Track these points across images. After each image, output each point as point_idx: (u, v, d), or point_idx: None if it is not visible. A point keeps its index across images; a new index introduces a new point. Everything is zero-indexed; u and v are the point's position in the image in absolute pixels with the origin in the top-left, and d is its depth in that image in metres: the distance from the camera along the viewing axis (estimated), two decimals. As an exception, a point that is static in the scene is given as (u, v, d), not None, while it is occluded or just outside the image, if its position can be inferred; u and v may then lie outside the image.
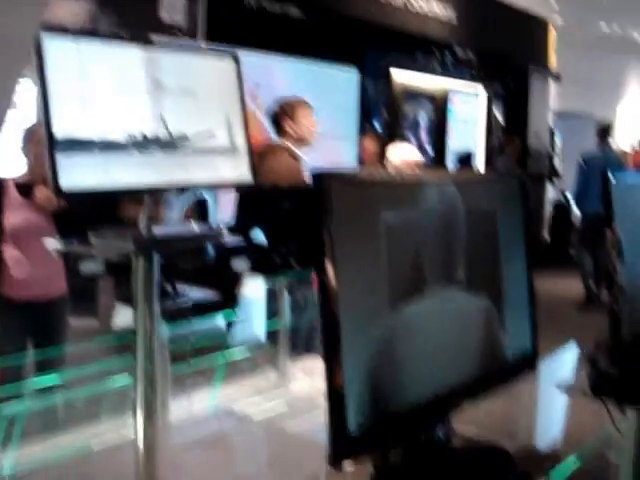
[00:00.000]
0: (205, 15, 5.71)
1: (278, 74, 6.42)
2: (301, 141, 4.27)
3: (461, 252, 1.57)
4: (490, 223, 1.71)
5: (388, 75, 8.44)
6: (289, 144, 4.26)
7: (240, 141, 2.34)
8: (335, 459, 1.27)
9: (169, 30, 5.44)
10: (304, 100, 4.46)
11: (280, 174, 4.02)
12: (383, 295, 1.35)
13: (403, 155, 5.22)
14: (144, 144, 2.08)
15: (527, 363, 1.85)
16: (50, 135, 1.88)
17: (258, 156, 4.33)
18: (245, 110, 2.37)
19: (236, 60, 2.40)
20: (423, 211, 1.48)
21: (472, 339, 1.60)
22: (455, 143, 9.69)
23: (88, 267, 2.14)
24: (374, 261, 1.34)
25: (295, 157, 4.24)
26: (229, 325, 4.07)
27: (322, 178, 1.29)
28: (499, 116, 10.86)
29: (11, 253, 3.76)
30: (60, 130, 1.90)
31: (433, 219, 1.50)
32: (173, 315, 2.91)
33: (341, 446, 1.27)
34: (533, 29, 10.78)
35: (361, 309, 1.31)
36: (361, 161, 6.76)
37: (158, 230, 2.23)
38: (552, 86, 11.62)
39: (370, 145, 6.65)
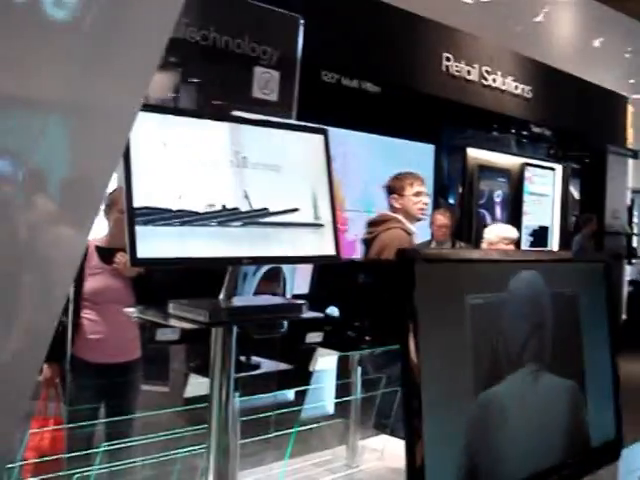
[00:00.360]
0: (298, 91, 5.82)
1: (355, 147, 6.50)
2: (409, 216, 4.31)
3: (545, 335, 1.53)
4: (573, 306, 1.68)
5: (464, 151, 8.47)
6: (401, 217, 4.31)
7: (326, 215, 2.34)
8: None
9: (262, 106, 5.56)
10: (413, 175, 4.53)
11: (391, 246, 4.07)
12: (467, 375, 1.32)
13: (500, 232, 5.28)
14: (224, 216, 2.11)
15: (611, 451, 1.78)
16: (130, 204, 1.93)
17: (370, 224, 4.54)
18: (332, 185, 2.38)
19: (325, 134, 2.42)
20: (508, 292, 1.46)
21: (556, 425, 1.55)
22: (530, 220, 9.59)
23: (164, 334, 2.17)
24: (458, 340, 1.32)
25: (406, 231, 4.27)
26: (299, 398, 4.04)
27: (407, 254, 1.29)
28: (575, 193, 10.74)
29: (89, 316, 3.84)
30: (140, 200, 1.95)
31: (518, 299, 1.48)
32: (246, 386, 2.90)
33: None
34: (610, 106, 10.72)
35: (444, 388, 1.28)
36: (432, 235, 6.74)
37: (237, 301, 2.25)
38: (630, 163, 11.47)
39: (441, 218, 6.63)
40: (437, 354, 1.28)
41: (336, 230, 2.37)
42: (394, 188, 4.41)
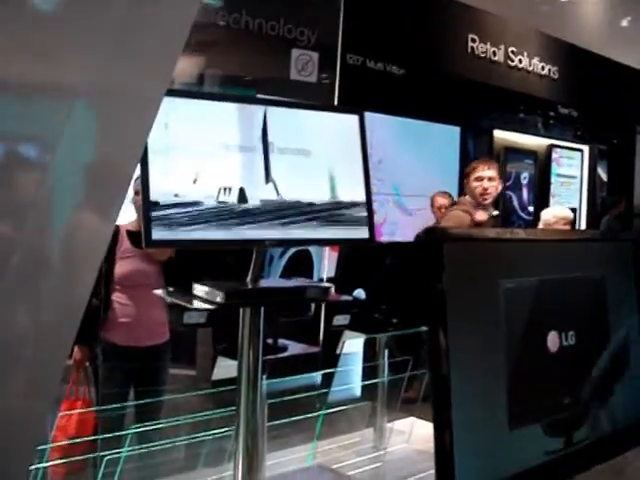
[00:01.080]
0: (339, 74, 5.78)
1: (380, 130, 6.47)
2: (475, 201, 4.38)
3: (575, 317, 1.52)
4: (602, 287, 1.66)
5: (490, 133, 8.40)
6: (468, 201, 4.41)
7: (359, 197, 2.32)
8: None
9: (301, 88, 5.53)
10: (481, 160, 4.72)
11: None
12: (497, 356, 1.32)
13: (557, 212, 5.47)
14: (251, 201, 2.11)
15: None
16: (146, 186, 1.94)
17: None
18: (367, 167, 2.35)
19: (360, 115, 2.38)
20: (541, 273, 1.45)
21: (588, 409, 1.54)
22: (557, 202, 9.50)
23: (192, 318, 2.18)
24: (488, 322, 1.31)
25: (471, 213, 4.33)
26: (327, 381, 4.05)
27: (435, 234, 1.28)
28: (603, 175, 10.62)
29: (119, 299, 3.87)
30: (161, 187, 1.96)
31: (551, 281, 1.47)
32: (273, 369, 2.92)
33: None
34: (638, 86, 10.56)
35: (474, 373, 1.28)
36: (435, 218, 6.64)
37: (262, 284, 2.25)
38: (659, 144, 11.32)
39: (439, 199, 6.48)
40: (467, 338, 1.27)
41: (371, 213, 2.33)
42: (464, 173, 4.62)
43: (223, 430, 2.69)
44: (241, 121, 2.17)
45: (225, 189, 2.07)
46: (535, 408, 1.41)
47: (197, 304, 2.11)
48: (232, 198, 2.08)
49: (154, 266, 3.87)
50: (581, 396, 1.54)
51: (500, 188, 4.52)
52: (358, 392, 4.00)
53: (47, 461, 2.68)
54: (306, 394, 3.22)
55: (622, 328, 1.67)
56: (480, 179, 4.35)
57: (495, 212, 4.44)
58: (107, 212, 1.06)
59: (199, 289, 2.16)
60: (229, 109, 2.16)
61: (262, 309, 2.14)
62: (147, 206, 1.94)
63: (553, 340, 1.45)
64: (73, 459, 3.04)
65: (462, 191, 4.57)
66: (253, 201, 2.11)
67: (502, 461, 1.34)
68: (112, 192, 1.05)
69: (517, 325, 1.37)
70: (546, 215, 5.51)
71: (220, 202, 2.05)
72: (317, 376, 3.91)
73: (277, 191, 2.15)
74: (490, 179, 4.35)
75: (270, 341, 3.16)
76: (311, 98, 5.34)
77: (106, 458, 2.62)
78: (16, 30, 0.92)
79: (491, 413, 1.31)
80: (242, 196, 2.09)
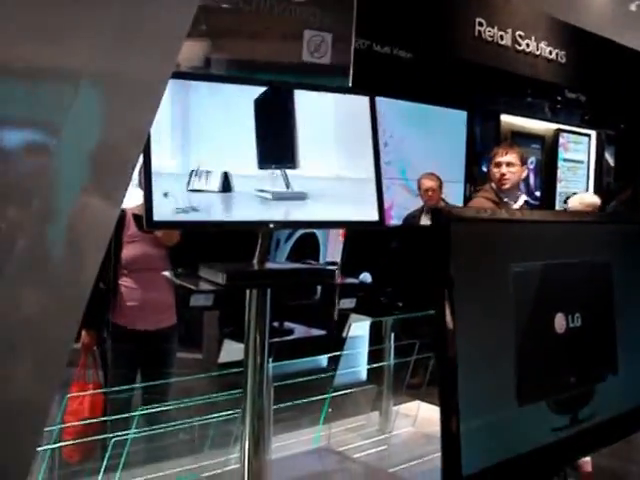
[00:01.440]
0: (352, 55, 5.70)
1: (387, 114, 6.45)
2: (496, 186, 4.37)
3: (583, 299, 1.52)
4: (609, 271, 1.66)
5: (497, 117, 8.37)
6: (491, 187, 4.42)
7: (370, 178, 2.30)
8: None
9: (314, 70, 5.47)
10: (502, 145, 4.72)
11: None
12: (504, 336, 1.32)
13: (584, 199, 5.51)
14: (259, 182, 2.10)
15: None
16: (148, 167, 1.94)
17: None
18: (377, 148, 2.33)
19: (371, 97, 2.37)
20: (549, 255, 1.44)
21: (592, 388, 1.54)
22: (564, 187, 9.48)
23: (198, 300, 2.19)
24: (495, 303, 1.31)
25: (492, 199, 4.32)
26: (333, 364, 4.07)
27: (442, 215, 1.27)
28: (610, 160, 10.58)
29: (126, 283, 3.88)
30: (164, 166, 1.97)
31: (560, 264, 1.47)
32: (279, 352, 2.93)
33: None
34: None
35: (481, 351, 1.28)
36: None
37: (269, 265, 2.26)
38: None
39: (426, 182, 6.35)
40: (471, 317, 1.27)
41: (381, 195, 2.31)
42: (490, 157, 4.59)
43: (229, 413, 2.71)
44: (244, 103, 2.16)
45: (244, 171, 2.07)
46: (542, 387, 1.42)
47: (203, 286, 2.12)
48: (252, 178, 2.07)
49: (161, 250, 3.88)
50: (587, 376, 1.54)
51: (524, 174, 4.45)
52: (364, 375, 4.01)
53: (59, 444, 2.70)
54: (312, 377, 3.24)
55: (629, 310, 1.67)
56: (499, 165, 4.33)
57: (520, 201, 4.36)
58: (112, 195, 1.06)
59: (204, 271, 2.17)
60: (240, 91, 2.15)
61: (268, 292, 2.14)
62: (149, 186, 1.94)
63: (560, 322, 1.45)
64: (82, 441, 3.06)
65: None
66: (270, 182, 2.11)
67: (508, 442, 1.34)
68: (117, 175, 1.06)
69: (525, 307, 1.37)
70: (573, 202, 5.53)
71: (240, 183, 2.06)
72: (323, 359, 3.92)
73: (287, 181, 2.14)
74: (509, 164, 4.31)
75: (276, 324, 3.17)
76: (326, 80, 5.31)
77: (114, 440, 2.64)
78: (20, 12, 0.92)
79: (497, 393, 1.31)
80: (261, 177, 2.09)
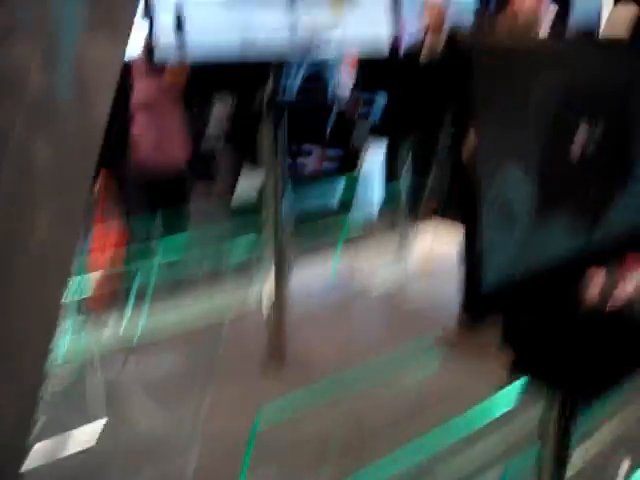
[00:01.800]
0: None
1: None
2: None
3: (602, 112, 1.49)
4: (630, 90, 1.61)
5: None
6: None
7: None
8: (469, 316, 1.26)
9: None
10: None
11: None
12: (525, 155, 1.30)
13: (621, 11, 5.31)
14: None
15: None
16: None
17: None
18: None
19: None
20: (573, 76, 1.40)
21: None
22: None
23: (212, 130, 2.17)
24: (517, 124, 1.28)
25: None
26: (350, 189, 4.08)
27: (460, 36, 1.22)
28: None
29: (140, 124, 3.84)
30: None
31: (584, 85, 1.43)
32: (298, 176, 2.93)
33: (475, 304, 1.26)
34: None
35: (502, 170, 1.26)
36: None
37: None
38: None
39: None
40: (493, 137, 1.24)
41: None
42: None
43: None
44: None
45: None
46: (561, 200, 1.41)
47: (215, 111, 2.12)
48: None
49: (172, 89, 3.81)
50: (604, 190, 1.54)
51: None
52: (381, 198, 4.01)
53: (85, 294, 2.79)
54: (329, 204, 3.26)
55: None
56: None
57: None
58: (117, 34, 1.02)
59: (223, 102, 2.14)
60: None
61: (285, 115, 2.10)
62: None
63: (579, 139, 1.43)
64: (106, 272, 3.15)
65: None
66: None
67: (527, 261, 1.35)
68: (121, 13, 1.01)
69: (546, 124, 1.34)
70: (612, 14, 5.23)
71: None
72: (340, 183, 3.90)
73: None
74: None
75: (294, 147, 3.15)
76: None
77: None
78: None
79: (517, 209, 1.31)
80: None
